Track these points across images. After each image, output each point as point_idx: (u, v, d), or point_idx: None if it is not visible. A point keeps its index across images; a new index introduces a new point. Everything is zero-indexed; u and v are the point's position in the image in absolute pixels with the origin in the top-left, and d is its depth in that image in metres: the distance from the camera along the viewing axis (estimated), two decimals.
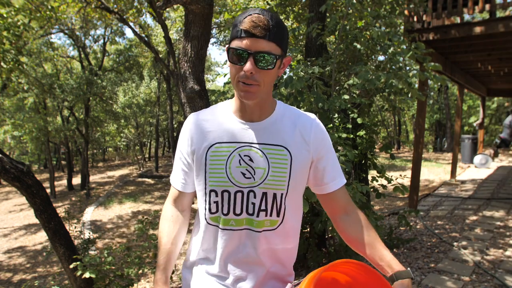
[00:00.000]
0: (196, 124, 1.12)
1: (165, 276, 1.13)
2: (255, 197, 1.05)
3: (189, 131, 1.12)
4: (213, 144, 1.07)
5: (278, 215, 1.07)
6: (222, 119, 1.10)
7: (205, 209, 1.09)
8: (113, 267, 3.49)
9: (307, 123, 1.11)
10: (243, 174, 1.05)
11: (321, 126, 1.14)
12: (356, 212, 1.14)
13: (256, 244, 1.07)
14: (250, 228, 1.07)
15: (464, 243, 4.30)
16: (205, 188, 1.08)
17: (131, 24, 9.29)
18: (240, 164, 1.05)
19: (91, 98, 16.24)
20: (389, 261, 1.01)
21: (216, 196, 1.07)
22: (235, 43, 0.96)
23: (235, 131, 1.08)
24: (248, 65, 0.94)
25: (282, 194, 1.07)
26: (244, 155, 1.05)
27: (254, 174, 1.05)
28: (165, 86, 19.73)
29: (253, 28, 0.93)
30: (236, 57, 0.96)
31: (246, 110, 1.07)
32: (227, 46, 1.00)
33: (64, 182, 19.14)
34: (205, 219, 1.10)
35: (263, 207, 1.06)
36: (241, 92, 0.99)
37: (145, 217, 4.16)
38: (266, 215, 1.06)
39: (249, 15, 0.94)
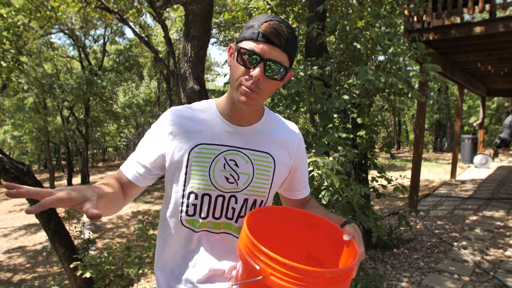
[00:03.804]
0: (178, 120, 1.03)
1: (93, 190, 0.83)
2: (236, 202, 1.04)
3: (169, 127, 1.02)
4: (197, 145, 1.01)
5: None
6: (207, 119, 1.04)
7: (182, 210, 1.04)
8: (113, 267, 3.49)
9: (293, 134, 1.14)
10: (227, 179, 1.02)
11: (302, 138, 1.19)
12: (309, 199, 1.24)
13: (234, 248, 1.05)
14: (230, 232, 1.06)
15: (464, 243, 4.30)
16: (184, 190, 1.02)
17: (131, 24, 9.29)
18: (225, 168, 1.01)
19: (91, 98, 16.24)
20: (344, 220, 1.04)
21: (196, 198, 1.02)
22: (249, 45, 0.91)
23: (222, 134, 1.03)
24: (257, 71, 0.90)
25: (262, 201, 1.07)
26: (230, 159, 1.02)
27: (238, 180, 1.02)
28: (165, 86, 19.72)
29: (274, 35, 0.89)
30: (247, 59, 0.91)
31: (236, 113, 1.03)
32: (236, 44, 0.95)
33: (64, 182, 19.15)
34: (180, 220, 1.05)
35: (242, 213, 1.05)
36: (240, 96, 0.94)
37: (145, 217, 4.16)
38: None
39: (270, 21, 0.90)
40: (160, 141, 1.02)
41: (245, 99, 0.94)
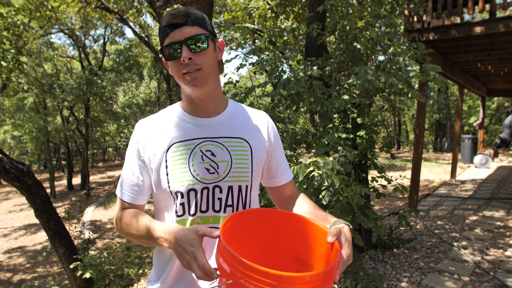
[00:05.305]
0: (146, 130, 1.07)
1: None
2: (221, 192, 1.04)
3: (140, 139, 1.06)
4: (171, 145, 1.04)
5: (244, 209, 1.07)
6: (175, 119, 1.08)
7: (174, 211, 1.04)
8: (113, 267, 3.50)
9: (262, 118, 1.17)
10: (207, 170, 1.03)
11: (274, 123, 1.21)
12: (299, 193, 1.22)
13: None
14: (218, 226, 1.03)
15: (464, 243, 4.30)
16: (170, 192, 1.03)
17: (131, 24, 9.29)
18: (203, 160, 1.03)
19: (91, 98, 16.25)
20: (331, 219, 1.02)
21: (182, 197, 1.02)
22: (165, 42, 0.99)
23: (192, 128, 1.06)
24: (183, 53, 0.96)
25: (247, 186, 1.08)
26: (206, 150, 1.04)
27: (218, 169, 1.04)
28: (165, 86, 19.73)
29: (173, 18, 0.97)
30: (171, 53, 0.98)
31: (199, 106, 1.07)
32: (160, 51, 1.03)
33: (64, 182, 19.15)
34: (172, 222, 1.05)
35: (229, 202, 1.05)
36: (189, 84, 0.99)
37: None
38: (233, 211, 1.06)
39: (166, 15, 0.99)
40: (138, 155, 1.06)
41: (194, 82, 0.99)
